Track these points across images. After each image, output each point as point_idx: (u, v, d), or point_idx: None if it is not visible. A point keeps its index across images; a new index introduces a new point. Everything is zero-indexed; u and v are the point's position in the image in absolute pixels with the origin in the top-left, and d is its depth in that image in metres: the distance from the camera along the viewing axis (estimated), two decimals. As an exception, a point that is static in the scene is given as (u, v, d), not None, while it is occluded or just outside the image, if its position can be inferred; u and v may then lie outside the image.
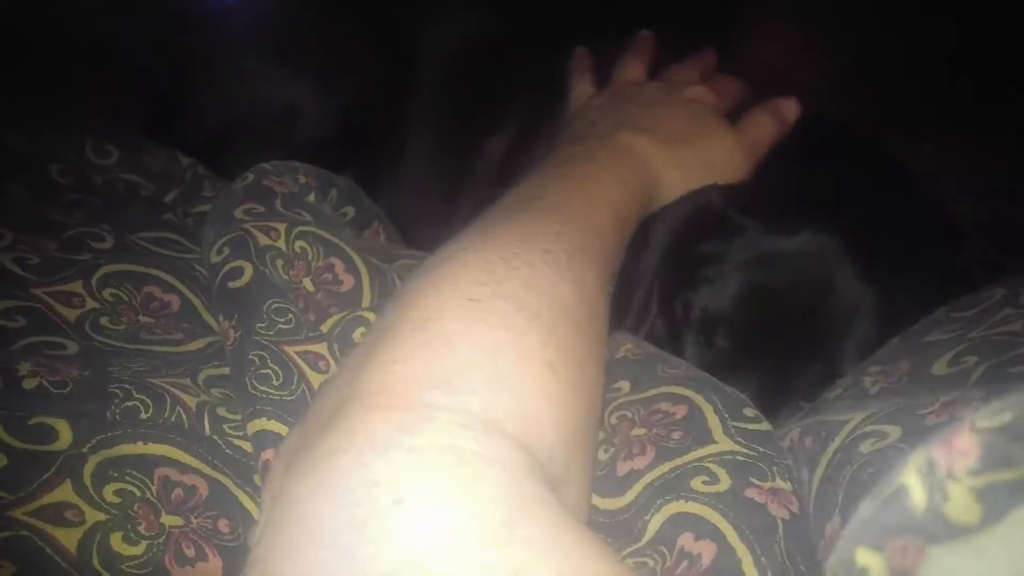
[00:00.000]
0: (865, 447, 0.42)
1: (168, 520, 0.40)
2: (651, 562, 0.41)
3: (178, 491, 0.42)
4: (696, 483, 0.43)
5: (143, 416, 0.44)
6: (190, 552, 0.40)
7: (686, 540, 0.41)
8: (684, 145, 0.67)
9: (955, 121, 0.77)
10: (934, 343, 0.51)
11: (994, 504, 0.21)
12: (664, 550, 0.41)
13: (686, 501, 0.43)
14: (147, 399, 0.44)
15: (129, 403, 0.44)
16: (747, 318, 0.62)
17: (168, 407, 0.45)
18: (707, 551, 0.40)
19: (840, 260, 0.61)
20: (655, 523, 0.42)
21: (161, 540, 0.39)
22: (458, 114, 0.87)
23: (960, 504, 0.22)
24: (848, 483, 0.41)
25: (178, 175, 0.73)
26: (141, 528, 0.39)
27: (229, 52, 0.85)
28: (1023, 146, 0.74)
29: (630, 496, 0.45)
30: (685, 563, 0.40)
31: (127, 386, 0.44)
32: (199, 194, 0.71)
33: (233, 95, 0.85)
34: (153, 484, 0.41)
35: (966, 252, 0.66)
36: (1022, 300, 0.50)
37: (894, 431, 0.42)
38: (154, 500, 0.41)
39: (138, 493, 0.40)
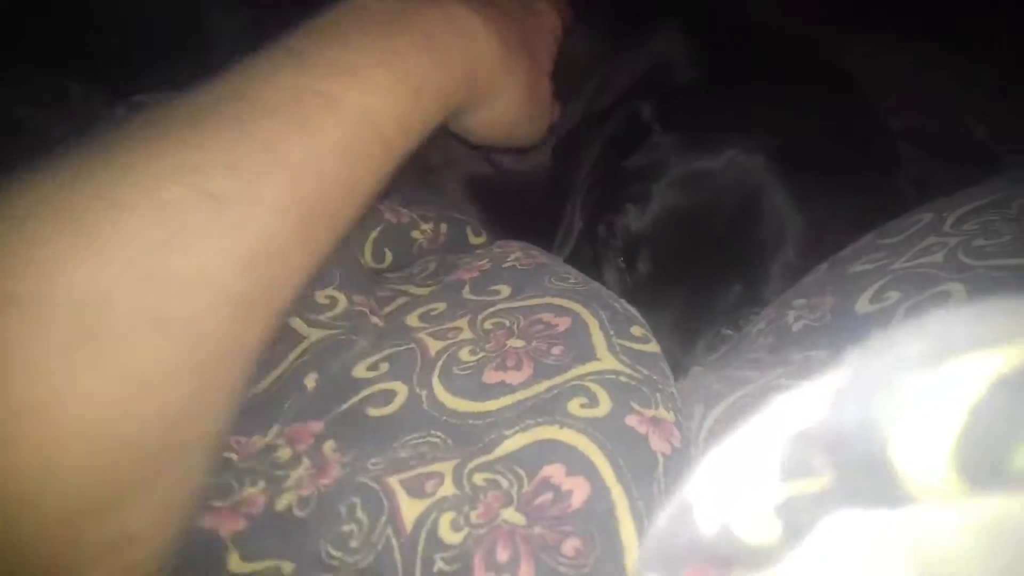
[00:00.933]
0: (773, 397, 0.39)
1: None
2: (504, 482, 0.37)
3: None
4: (573, 406, 0.39)
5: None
6: None
7: (555, 471, 0.37)
8: (523, 64, 0.55)
9: (893, 27, 0.72)
10: (859, 274, 0.48)
11: (795, 520, 0.18)
12: (522, 472, 0.37)
13: (560, 427, 0.38)
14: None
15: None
16: (669, 240, 0.58)
17: None
18: (579, 490, 0.36)
19: (766, 180, 0.57)
20: (517, 441, 0.38)
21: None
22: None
23: (757, 521, 0.18)
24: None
25: (72, 104, 0.68)
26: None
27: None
28: (960, 53, 0.70)
29: (492, 406, 0.40)
30: (549, 495, 0.36)
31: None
32: (93, 125, 0.66)
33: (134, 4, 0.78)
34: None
35: (901, 172, 0.62)
36: (946, 227, 0.46)
37: None
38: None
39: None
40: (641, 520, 0.36)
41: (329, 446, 0.39)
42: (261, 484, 0.37)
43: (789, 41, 0.71)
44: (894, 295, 0.44)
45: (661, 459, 0.38)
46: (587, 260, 0.64)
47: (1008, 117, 0.76)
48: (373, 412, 0.41)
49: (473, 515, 0.36)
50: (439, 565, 0.35)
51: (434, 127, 0.45)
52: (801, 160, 0.58)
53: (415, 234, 0.60)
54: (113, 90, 0.71)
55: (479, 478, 0.37)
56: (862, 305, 0.45)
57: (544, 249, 0.66)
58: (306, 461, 0.38)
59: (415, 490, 0.37)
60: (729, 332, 0.58)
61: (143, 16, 0.77)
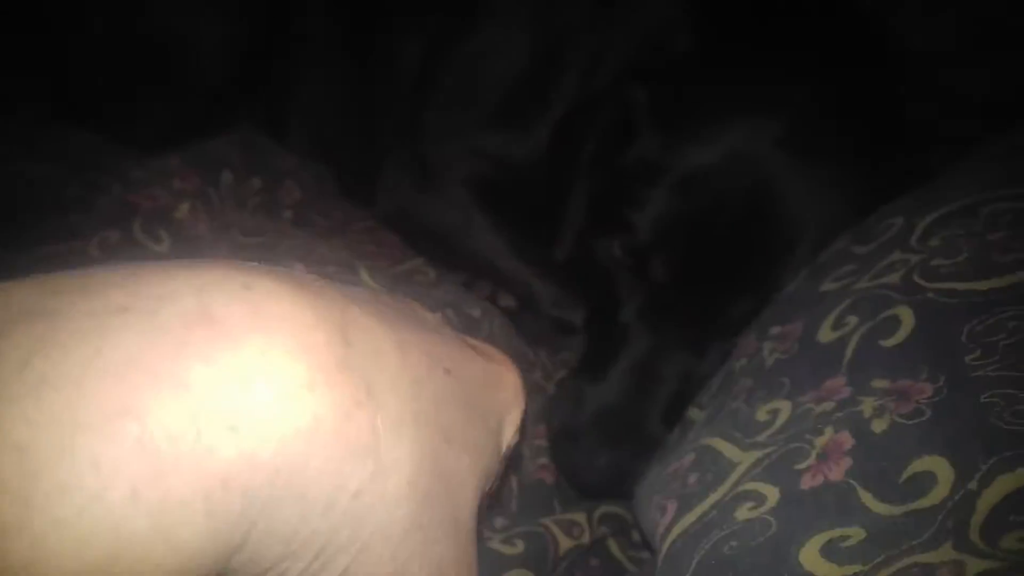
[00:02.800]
0: (740, 513, 0.37)
1: None
2: None
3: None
4: None
5: None
6: None
7: None
8: None
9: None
10: (825, 294, 0.45)
11: None
12: None
13: None
14: None
15: None
16: (676, 250, 0.55)
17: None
18: None
19: (772, 173, 0.53)
20: None
21: None
22: (359, 24, 0.77)
23: None
24: (708, 551, 0.37)
25: (77, 155, 0.68)
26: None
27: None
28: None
29: None
30: None
31: None
32: (104, 184, 0.66)
33: (117, 38, 0.75)
34: None
35: (910, 151, 0.55)
36: (913, 240, 0.42)
37: (772, 495, 0.37)
38: None
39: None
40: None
41: None
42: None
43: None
44: (852, 320, 0.41)
45: None
46: (586, 265, 0.62)
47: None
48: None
49: None
50: None
51: None
52: (808, 143, 0.53)
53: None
54: (108, 133, 0.71)
55: None
56: (824, 334, 0.42)
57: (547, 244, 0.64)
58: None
59: None
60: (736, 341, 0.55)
61: (122, 48, 0.75)
